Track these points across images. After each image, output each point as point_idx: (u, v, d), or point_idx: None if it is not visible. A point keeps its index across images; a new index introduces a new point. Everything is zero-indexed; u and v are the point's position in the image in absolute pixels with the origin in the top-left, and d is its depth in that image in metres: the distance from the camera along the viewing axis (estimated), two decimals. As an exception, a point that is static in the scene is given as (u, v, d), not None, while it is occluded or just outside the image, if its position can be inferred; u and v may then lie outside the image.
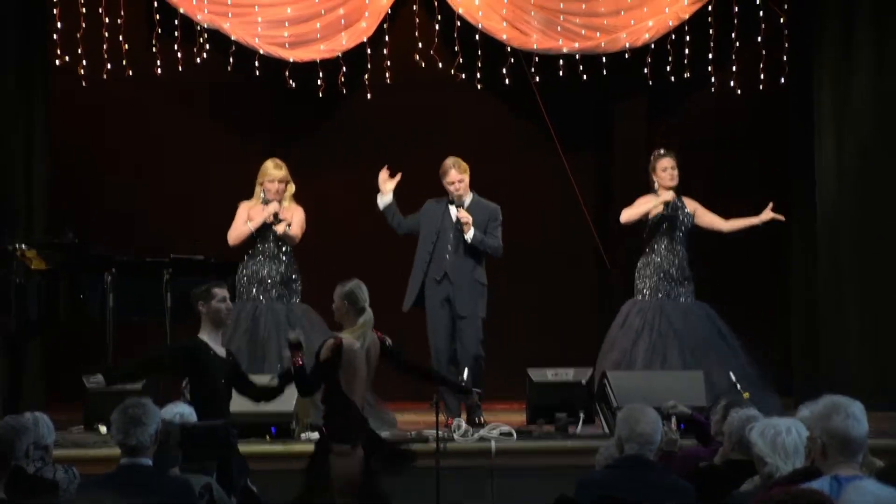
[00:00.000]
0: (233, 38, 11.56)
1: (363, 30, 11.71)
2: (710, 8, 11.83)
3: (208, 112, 12.40)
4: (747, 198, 11.55)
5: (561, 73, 11.85)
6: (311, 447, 8.45)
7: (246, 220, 10.41)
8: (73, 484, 6.24)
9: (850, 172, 11.44)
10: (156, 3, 11.55)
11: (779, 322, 12.31)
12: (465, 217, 10.18)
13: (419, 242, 10.39)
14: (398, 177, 10.35)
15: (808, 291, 11.86)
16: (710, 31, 11.87)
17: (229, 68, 11.65)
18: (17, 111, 11.29)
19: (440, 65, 11.88)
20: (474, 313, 10.25)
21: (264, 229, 10.41)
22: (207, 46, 11.64)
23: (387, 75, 11.83)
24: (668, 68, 11.92)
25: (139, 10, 11.69)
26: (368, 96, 11.83)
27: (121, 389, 8.92)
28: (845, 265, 11.44)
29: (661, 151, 10.79)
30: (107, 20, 11.57)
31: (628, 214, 10.73)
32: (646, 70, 11.92)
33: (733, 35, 11.89)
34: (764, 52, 11.91)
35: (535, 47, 11.80)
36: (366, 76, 11.82)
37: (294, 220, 10.43)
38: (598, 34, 11.86)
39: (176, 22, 11.59)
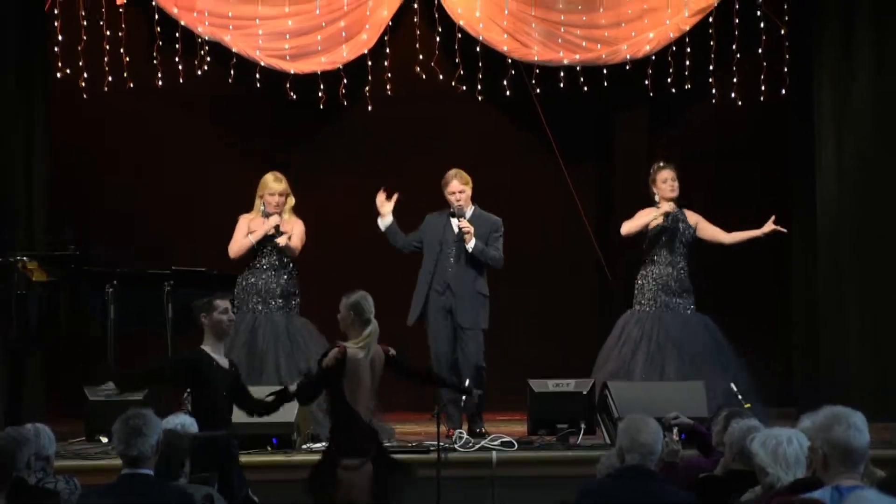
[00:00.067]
0: (234, 50, 11.58)
1: (364, 42, 11.72)
2: (710, 20, 11.84)
3: (209, 124, 12.41)
4: (748, 209, 11.57)
5: (562, 84, 11.86)
6: (312, 457, 8.47)
7: (246, 233, 10.40)
8: (74, 494, 6.24)
9: (850, 175, 11.44)
10: (156, 16, 11.57)
11: (780, 332, 12.31)
12: (467, 227, 10.18)
13: (424, 256, 10.39)
14: (395, 197, 10.35)
15: (808, 296, 11.86)
16: (711, 43, 11.88)
17: (230, 80, 11.66)
18: (17, 122, 11.30)
19: (441, 76, 11.89)
20: (476, 324, 10.25)
21: (265, 242, 10.41)
22: (208, 59, 11.65)
23: (387, 87, 11.84)
24: (669, 80, 11.93)
25: (140, 23, 11.70)
26: (369, 108, 11.84)
27: (122, 400, 8.94)
28: (846, 270, 11.44)
29: (661, 164, 10.80)
30: (108, 33, 11.58)
31: (629, 227, 10.73)
32: (647, 82, 11.93)
33: (734, 47, 11.90)
34: (764, 64, 11.92)
35: (536, 59, 11.82)
36: (367, 88, 11.83)
37: (294, 232, 10.44)
38: (599, 46, 11.88)
39: (177, 34, 11.60)
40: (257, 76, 11.63)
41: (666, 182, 10.68)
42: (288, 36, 11.68)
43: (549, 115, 11.97)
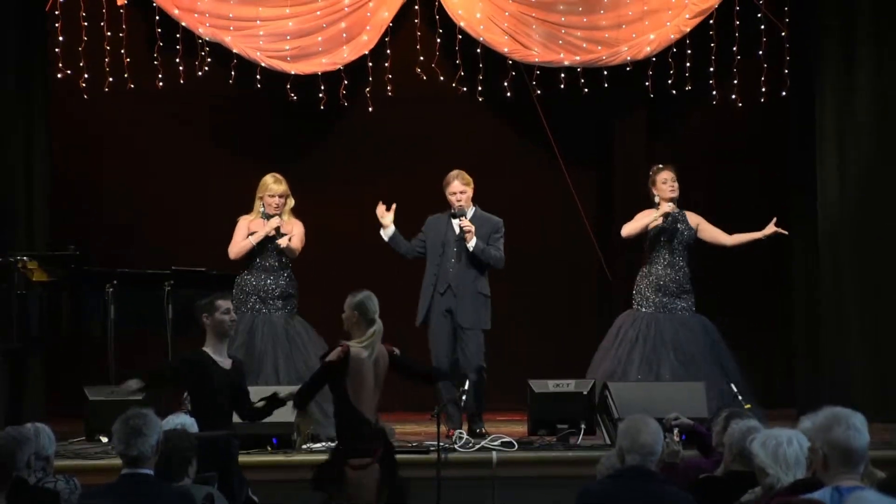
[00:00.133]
0: (234, 51, 11.58)
1: (365, 43, 11.72)
2: (711, 21, 11.85)
3: (209, 125, 12.42)
4: (748, 210, 11.58)
5: (562, 86, 11.86)
6: (312, 457, 8.47)
7: (246, 234, 10.40)
8: (74, 494, 6.24)
9: (851, 176, 11.45)
10: (157, 17, 11.57)
11: (781, 332, 12.32)
12: (468, 226, 10.19)
13: (427, 258, 10.39)
14: (394, 206, 10.34)
15: (809, 297, 11.85)
16: (712, 45, 11.88)
17: (231, 81, 11.65)
18: (17, 122, 11.31)
19: (442, 77, 11.89)
20: (477, 324, 10.25)
21: (266, 243, 10.40)
22: (209, 60, 11.65)
23: (388, 88, 11.84)
24: (670, 81, 11.93)
25: (140, 24, 11.71)
26: (370, 109, 11.83)
27: (122, 400, 8.94)
28: (846, 271, 11.45)
29: (661, 165, 10.81)
30: (108, 34, 11.58)
31: (629, 229, 10.73)
32: (647, 83, 11.93)
33: (734, 48, 11.90)
34: (765, 65, 11.92)
35: (537, 60, 11.82)
36: (367, 89, 11.82)
37: (294, 233, 10.43)
38: (600, 47, 11.88)
39: (177, 35, 11.60)
40: (258, 77, 11.63)
41: (666, 183, 10.67)
42: (288, 37, 11.68)
43: (550, 117, 11.98)
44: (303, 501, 8.01)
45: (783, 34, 11.90)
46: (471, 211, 10.31)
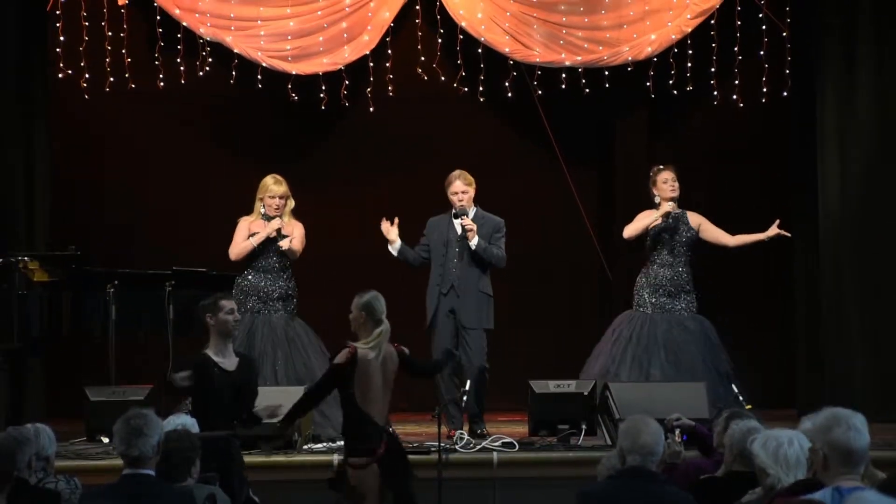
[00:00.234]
0: (235, 51, 11.58)
1: (366, 43, 11.72)
2: (712, 21, 11.85)
3: (210, 125, 12.42)
4: (749, 210, 11.59)
5: (563, 86, 11.86)
6: (312, 458, 8.47)
7: (247, 235, 10.39)
8: (75, 494, 6.25)
9: (852, 176, 11.45)
10: (158, 17, 11.58)
11: (781, 332, 12.32)
12: (470, 224, 10.18)
13: (431, 260, 10.38)
14: (397, 221, 10.32)
15: (809, 297, 11.85)
16: (713, 45, 11.89)
17: (232, 81, 11.66)
18: (17, 121, 11.32)
19: (443, 78, 11.90)
20: (479, 324, 10.24)
21: (266, 244, 10.39)
22: (210, 60, 11.65)
23: (389, 88, 11.85)
24: (671, 82, 11.93)
25: (141, 24, 11.71)
26: (371, 109, 11.84)
27: (122, 400, 8.97)
28: (847, 271, 11.45)
29: (661, 166, 10.81)
30: (109, 34, 11.59)
31: (630, 230, 10.73)
32: (648, 83, 11.94)
33: (735, 48, 11.91)
34: (766, 66, 11.92)
35: (538, 60, 11.82)
36: (368, 89, 11.83)
37: (294, 235, 10.43)
38: (601, 48, 11.88)
39: (178, 36, 11.61)
40: (259, 77, 11.63)
41: (666, 182, 10.67)
42: (290, 37, 11.68)
43: (551, 117, 11.99)
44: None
45: (784, 34, 11.90)
46: (472, 211, 10.31)
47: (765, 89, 11.95)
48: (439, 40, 11.82)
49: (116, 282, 9.86)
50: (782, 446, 5.62)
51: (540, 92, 11.87)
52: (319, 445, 9.55)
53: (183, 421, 7.02)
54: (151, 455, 5.70)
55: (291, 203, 10.50)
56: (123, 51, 11.61)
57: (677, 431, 7.93)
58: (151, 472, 5.71)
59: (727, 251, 10.85)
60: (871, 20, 11.44)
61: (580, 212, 12.12)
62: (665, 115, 12.42)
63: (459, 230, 10.26)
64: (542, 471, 9.31)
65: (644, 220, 10.68)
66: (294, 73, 11.65)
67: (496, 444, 9.61)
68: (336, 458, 8.83)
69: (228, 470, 7.22)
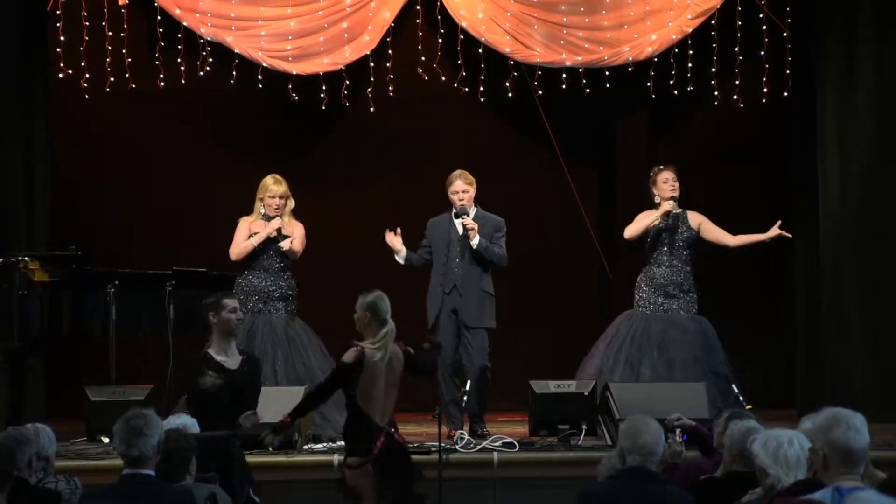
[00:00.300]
0: (236, 51, 11.59)
1: (366, 43, 11.73)
2: (713, 22, 11.86)
3: (210, 125, 12.42)
4: (749, 211, 11.59)
5: (564, 86, 11.86)
6: (313, 458, 8.46)
7: (247, 235, 10.39)
8: (75, 494, 6.24)
9: (852, 176, 11.45)
10: (158, 17, 11.58)
11: (782, 332, 12.31)
12: (471, 223, 10.18)
13: (433, 260, 10.38)
14: (399, 230, 10.30)
15: (809, 297, 11.85)
16: (713, 45, 11.89)
17: (232, 81, 11.66)
18: (17, 121, 11.31)
19: (443, 78, 11.90)
20: (481, 323, 10.24)
21: (267, 244, 10.40)
22: (210, 60, 11.65)
23: (390, 88, 11.85)
24: (671, 82, 11.93)
25: (142, 24, 11.71)
26: (371, 109, 11.83)
27: (123, 400, 8.96)
28: (847, 271, 11.44)
29: (661, 166, 10.81)
30: (109, 34, 11.59)
31: (631, 230, 10.74)
32: (648, 83, 11.94)
33: (736, 49, 11.91)
34: (766, 66, 11.92)
35: (539, 61, 11.82)
36: (369, 89, 11.83)
37: (295, 235, 10.43)
38: (602, 48, 11.88)
39: (179, 35, 11.61)
40: (259, 77, 11.63)
41: (667, 182, 10.67)
42: (290, 37, 11.68)
43: (551, 117, 11.99)
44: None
45: (784, 34, 11.90)
46: (473, 211, 10.31)
47: (765, 89, 11.95)
48: (440, 40, 11.83)
49: (117, 282, 9.85)
50: (782, 446, 5.62)
51: (540, 92, 11.87)
52: (319, 446, 9.55)
53: (183, 421, 7.03)
54: (151, 455, 5.70)
55: (291, 203, 10.50)
56: (124, 50, 11.61)
57: (678, 431, 7.93)
58: (151, 472, 5.71)
59: (728, 251, 10.85)
60: (871, 20, 11.44)
61: (581, 212, 12.12)
62: (665, 116, 12.42)
63: (461, 230, 10.26)
64: (542, 471, 9.30)
65: (644, 221, 10.68)
66: (294, 72, 11.65)
67: (496, 444, 9.60)
68: (336, 458, 8.84)
69: (228, 470, 7.21)
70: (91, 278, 9.87)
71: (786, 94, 11.95)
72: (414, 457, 8.12)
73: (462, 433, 9.77)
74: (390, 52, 11.84)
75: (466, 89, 11.93)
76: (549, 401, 9.96)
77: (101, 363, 10.02)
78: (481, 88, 11.89)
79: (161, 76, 11.70)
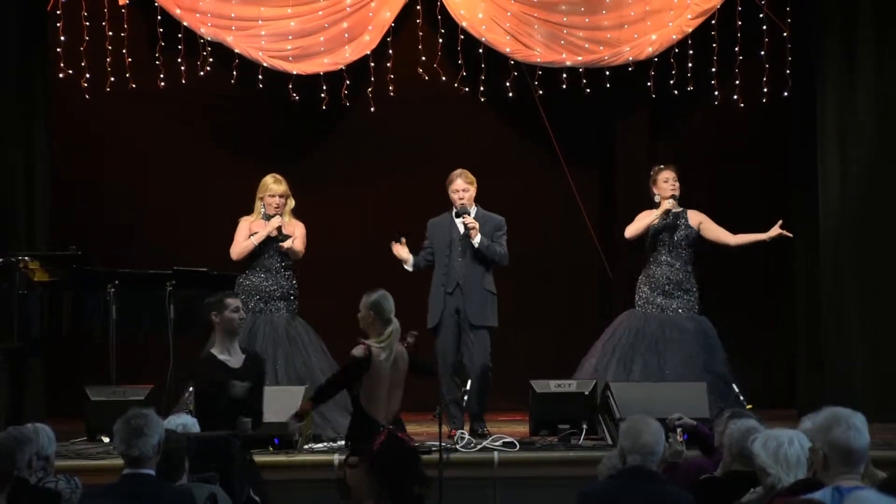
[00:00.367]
0: (236, 51, 11.59)
1: (367, 43, 11.72)
2: (713, 22, 11.85)
3: (210, 125, 12.41)
4: (749, 210, 11.58)
5: (564, 86, 11.86)
6: (313, 458, 8.45)
7: (247, 235, 10.40)
8: (75, 494, 6.25)
9: (852, 175, 11.44)
10: (159, 17, 11.58)
11: (782, 332, 12.30)
12: (472, 222, 10.18)
13: (435, 260, 10.37)
14: (404, 240, 10.29)
15: (810, 297, 11.84)
16: (713, 45, 11.88)
17: (232, 81, 11.66)
18: (17, 121, 11.31)
19: (443, 78, 11.89)
20: (484, 322, 10.24)
21: (268, 244, 10.40)
22: (211, 60, 11.65)
23: (390, 88, 11.84)
24: (672, 82, 11.93)
25: (142, 24, 11.71)
26: (372, 109, 11.83)
27: (123, 400, 8.96)
28: (847, 271, 11.44)
29: (662, 166, 10.81)
30: (110, 34, 11.59)
31: (632, 230, 10.75)
32: (649, 83, 11.94)
33: (736, 48, 11.90)
34: (767, 66, 11.92)
35: (539, 61, 11.82)
36: (369, 89, 11.82)
37: (296, 235, 10.44)
38: (602, 48, 11.88)
39: (179, 35, 11.61)
40: (259, 77, 11.63)
41: (667, 181, 10.68)
42: (290, 37, 11.68)
43: (552, 117, 11.98)
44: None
45: (785, 34, 11.89)
46: (473, 210, 10.31)
47: (765, 89, 11.95)
48: (440, 40, 11.82)
49: (117, 282, 9.86)
50: (782, 446, 5.62)
51: (541, 92, 11.87)
52: (320, 445, 9.56)
53: (183, 421, 7.03)
54: (152, 455, 5.70)
55: (291, 202, 10.51)
56: (124, 51, 11.61)
57: (679, 431, 7.94)
58: (152, 472, 5.72)
59: (728, 250, 10.85)
60: (871, 20, 11.44)
61: (581, 212, 12.12)
62: (666, 115, 12.42)
63: (462, 229, 10.26)
64: (542, 470, 9.31)
65: (645, 220, 10.69)
66: (295, 73, 11.65)
67: (497, 443, 9.61)
68: (336, 458, 8.85)
69: (228, 470, 7.21)
70: (91, 278, 9.87)
71: (786, 94, 11.95)
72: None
73: (462, 433, 9.78)
74: (391, 52, 11.84)
75: (467, 89, 11.93)
76: (550, 400, 9.97)
77: (101, 363, 10.03)
78: (481, 88, 11.89)
79: (161, 76, 11.70)
